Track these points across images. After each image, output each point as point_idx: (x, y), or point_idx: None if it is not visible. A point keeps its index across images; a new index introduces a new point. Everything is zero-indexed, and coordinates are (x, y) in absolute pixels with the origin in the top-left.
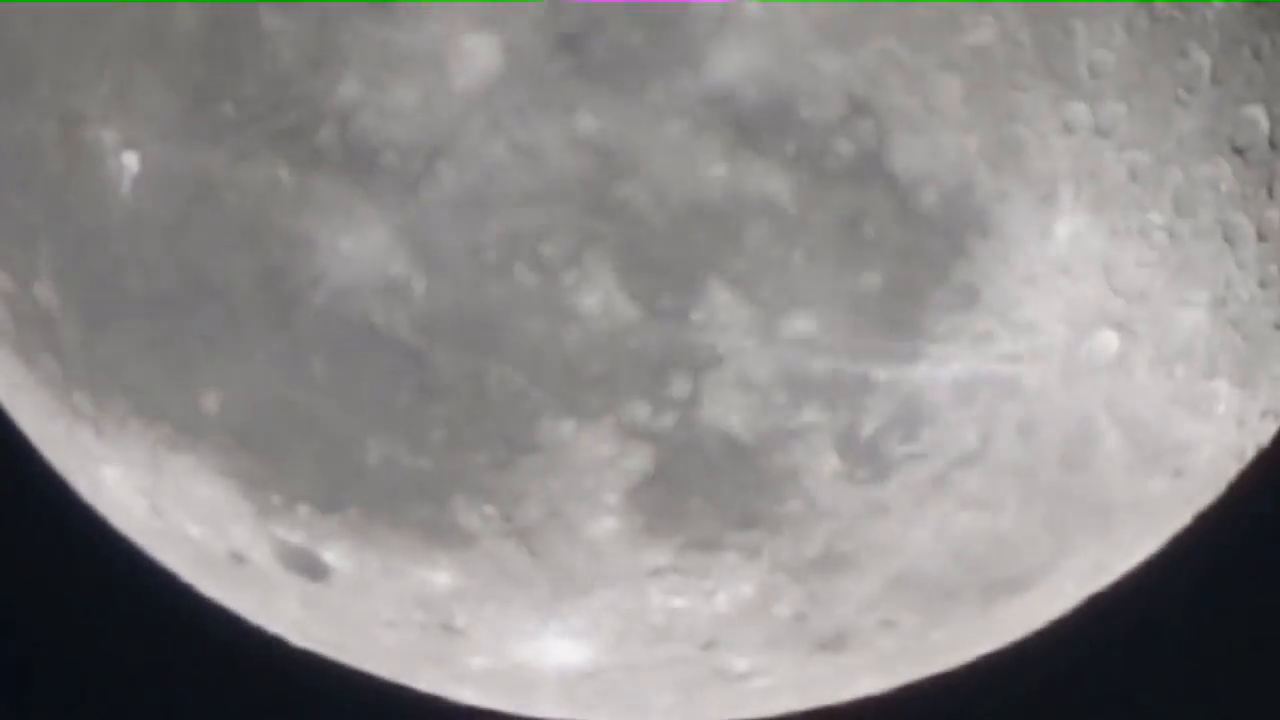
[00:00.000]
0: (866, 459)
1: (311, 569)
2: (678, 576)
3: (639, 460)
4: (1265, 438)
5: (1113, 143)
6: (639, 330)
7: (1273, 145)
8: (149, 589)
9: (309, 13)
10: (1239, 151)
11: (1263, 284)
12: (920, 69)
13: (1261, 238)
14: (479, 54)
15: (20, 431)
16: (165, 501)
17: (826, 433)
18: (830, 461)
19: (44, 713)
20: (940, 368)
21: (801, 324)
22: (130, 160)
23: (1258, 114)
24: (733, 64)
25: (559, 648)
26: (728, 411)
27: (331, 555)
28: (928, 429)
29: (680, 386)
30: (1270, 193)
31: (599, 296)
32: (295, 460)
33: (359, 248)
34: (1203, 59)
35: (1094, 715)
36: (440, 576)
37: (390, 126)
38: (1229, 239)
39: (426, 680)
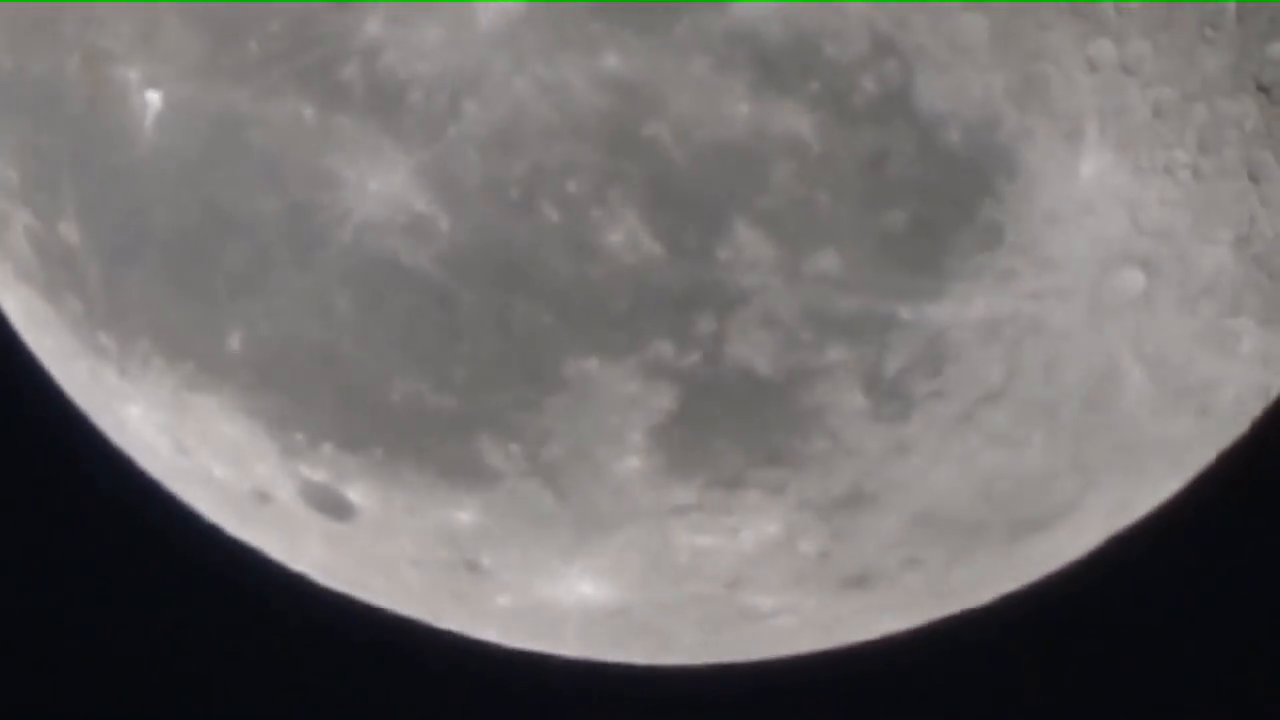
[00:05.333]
0: (891, 397)
1: (336, 507)
2: (702, 515)
3: (664, 398)
4: None
5: (1138, 80)
6: (664, 268)
7: None
8: (173, 528)
9: None
10: (1264, 89)
11: None
12: (945, 7)
13: None
14: None
15: (45, 370)
16: (189, 440)
17: (851, 370)
18: (855, 399)
19: (69, 653)
20: (965, 306)
21: (826, 262)
22: (154, 98)
23: None
24: (757, 2)
25: (584, 586)
26: (752, 349)
27: (356, 494)
28: (952, 367)
29: (705, 324)
30: None
31: (624, 234)
32: (320, 399)
33: (384, 185)
34: None
35: (1117, 653)
36: (465, 515)
37: (415, 65)
38: (1254, 176)
39: (451, 619)
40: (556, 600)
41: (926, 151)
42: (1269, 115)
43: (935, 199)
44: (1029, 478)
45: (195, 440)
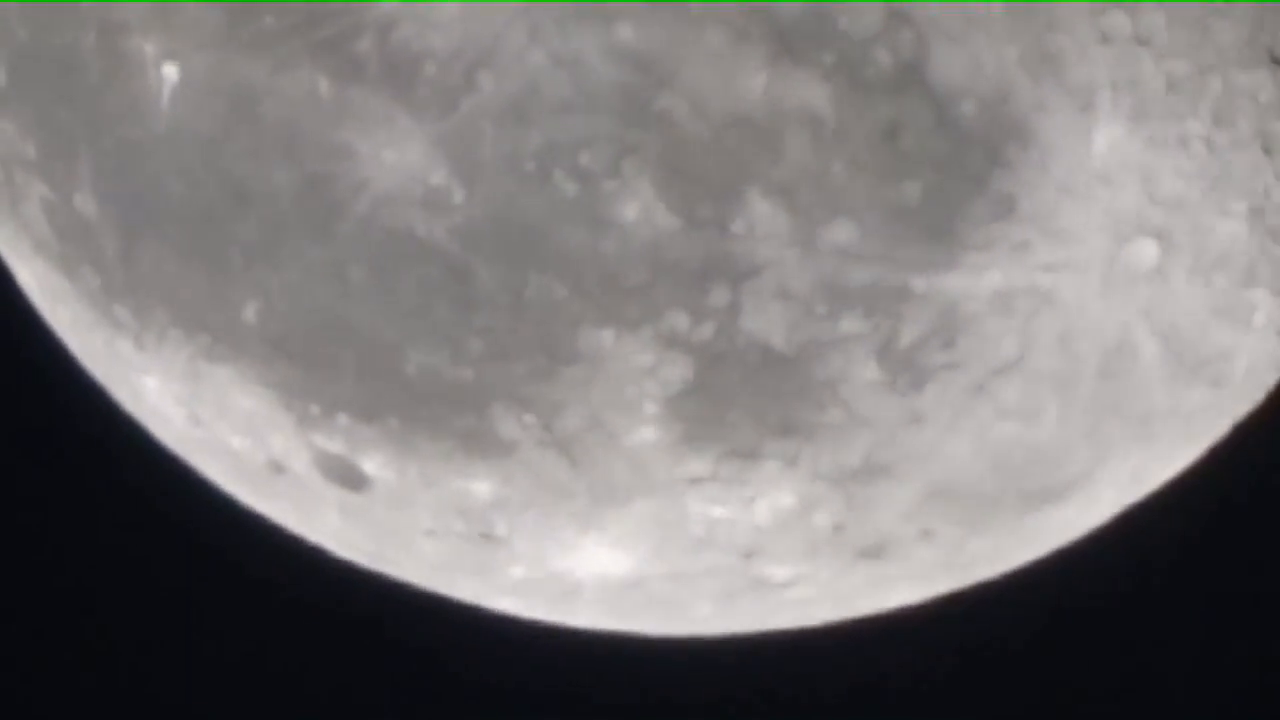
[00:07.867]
0: (905, 368)
1: (351, 479)
2: (717, 486)
3: (678, 370)
4: None
5: (1152, 52)
6: (678, 240)
7: None
8: (189, 499)
9: None
10: (1278, 61)
11: None
12: None
13: None
14: None
15: (61, 342)
16: (205, 412)
17: (865, 342)
18: (869, 371)
19: (82, 624)
20: (979, 277)
21: (841, 234)
22: (170, 71)
23: None
24: None
25: (599, 557)
26: (767, 321)
27: (371, 465)
28: (966, 339)
29: (719, 296)
30: None
31: (638, 206)
32: (335, 370)
33: (399, 158)
34: None
35: (1132, 624)
36: (480, 486)
37: (430, 37)
38: (1268, 149)
39: (466, 590)
40: (571, 571)
41: (941, 123)
42: None
43: (949, 170)
44: (1042, 449)
45: (211, 411)
